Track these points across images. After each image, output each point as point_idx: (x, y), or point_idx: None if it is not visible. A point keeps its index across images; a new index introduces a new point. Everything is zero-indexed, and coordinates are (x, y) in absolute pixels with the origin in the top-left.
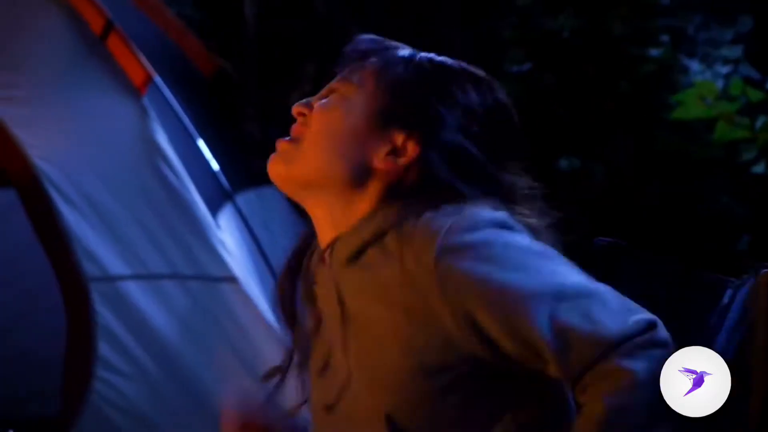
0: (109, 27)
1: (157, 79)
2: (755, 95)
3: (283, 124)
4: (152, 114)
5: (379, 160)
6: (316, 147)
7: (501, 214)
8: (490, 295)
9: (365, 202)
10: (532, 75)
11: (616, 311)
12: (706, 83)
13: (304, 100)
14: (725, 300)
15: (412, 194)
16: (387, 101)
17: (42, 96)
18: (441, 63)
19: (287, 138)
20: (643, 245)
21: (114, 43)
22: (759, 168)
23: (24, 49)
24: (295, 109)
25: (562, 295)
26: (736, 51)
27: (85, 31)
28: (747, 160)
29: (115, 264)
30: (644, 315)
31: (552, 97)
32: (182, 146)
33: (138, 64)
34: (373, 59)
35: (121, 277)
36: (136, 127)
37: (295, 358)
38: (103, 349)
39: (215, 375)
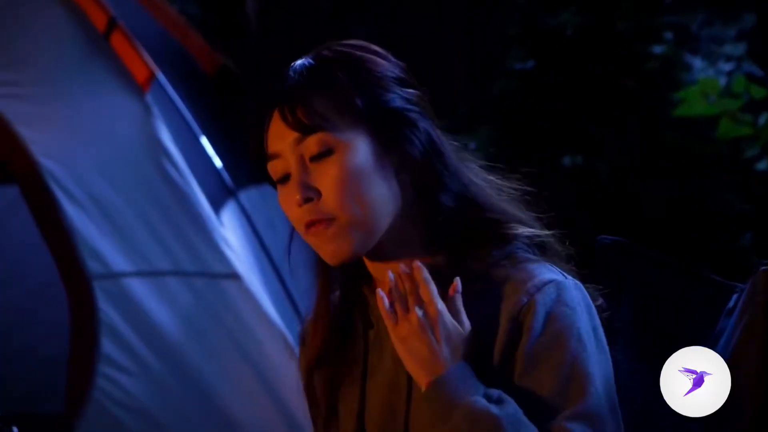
0: (112, 24)
1: (161, 76)
2: (758, 92)
3: None
4: (155, 111)
5: (405, 167)
6: (361, 212)
7: (586, 294)
8: (541, 371)
9: (411, 220)
10: (536, 72)
11: None
12: (710, 80)
13: (299, 187)
14: (731, 304)
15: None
16: (381, 127)
17: (45, 93)
18: (394, 63)
19: (316, 223)
20: (646, 242)
21: (117, 41)
22: (762, 165)
23: (27, 47)
24: (300, 198)
25: (582, 409)
26: (739, 48)
27: (88, 29)
28: (750, 156)
29: (118, 261)
30: None
31: (555, 94)
32: (185, 143)
33: (141, 62)
34: (335, 94)
35: (125, 274)
36: (140, 125)
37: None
38: (107, 346)
39: (218, 371)
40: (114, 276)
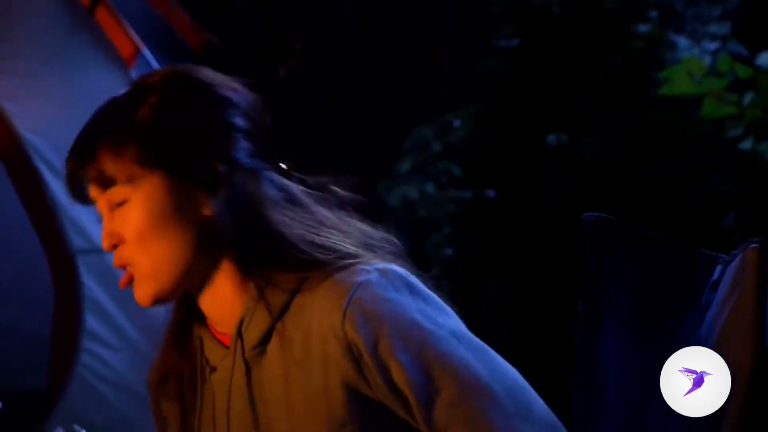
0: None
1: (146, 51)
2: (743, 72)
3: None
4: None
5: (207, 209)
6: (154, 259)
7: (402, 274)
8: (395, 374)
9: (226, 263)
10: (521, 50)
11: (510, 416)
12: (694, 60)
13: (104, 234)
14: (715, 276)
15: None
16: (181, 181)
17: (30, 68)
18: (196, 88)
19: (123, 271)
20: (631, 221)
21: (102, 15)
22: (746, 144)
23: (12, 21)
24: (105, 245)
25: (457, 389)
26: (724, 27)
27: (73, 3)
28: (734, 136)
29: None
30: (540, 429)
31: (540, 72)
32: None
33: (126, 37)
34: (128, 149)
35: None
36: None
37: None
38: (91, 321)
39: None
40: (98, 251)
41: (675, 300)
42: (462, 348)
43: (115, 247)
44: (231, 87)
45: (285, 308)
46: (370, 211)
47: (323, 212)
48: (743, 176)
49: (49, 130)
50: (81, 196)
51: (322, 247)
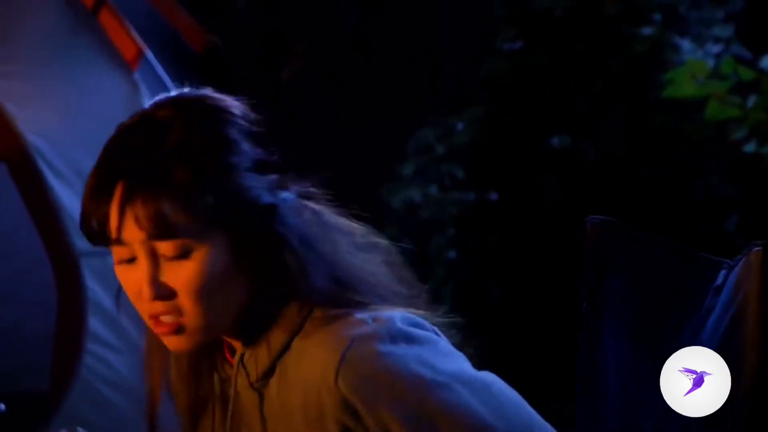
0: (100, 1)
1: (149, 54)
2: (747, 74)
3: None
4: (143, 89)
5: (262, 256)
6: (212, 317)
7: (398, 323)
8: (394, 430)
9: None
10: (524, 53)
11: None
12: (698, 62)
13: (150, 284)
14: (719, 281)
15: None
16: (237, 227)
17: (33, 70)
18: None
19: (162, 323)
20: (631, 221)
21: (105, 18)
22: (750, 147)
23: (15, 23)
24: (151, 294)
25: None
26: (727, 30)
27: (76, 5)
28: (738, 139)
29: None
30: None
31: (543, 75)
32: None
33: (129, 39)
34: (184, 198)
35: None
36: (128, 103)
37: None
38: (94, 323)
39: None
40: (102, 254)
41: (676, 302)
42: (464, 391)
43: (164, 297)
44: (243, 120)
45: (285, 348)
46: (373, 213)
47: (344, 246)
48: (744, 178)
49: (51, 133)
50: (102, 236)
51: (341, 283)
